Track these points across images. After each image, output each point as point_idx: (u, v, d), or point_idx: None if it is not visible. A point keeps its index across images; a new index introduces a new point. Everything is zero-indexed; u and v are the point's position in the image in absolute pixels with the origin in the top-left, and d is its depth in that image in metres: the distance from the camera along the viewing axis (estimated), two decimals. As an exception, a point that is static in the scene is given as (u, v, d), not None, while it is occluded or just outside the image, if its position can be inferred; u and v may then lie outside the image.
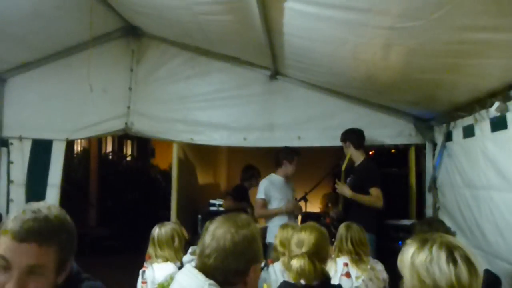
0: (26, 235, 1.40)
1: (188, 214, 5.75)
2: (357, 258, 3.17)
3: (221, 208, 5.92)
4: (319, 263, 2.42)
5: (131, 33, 5.16)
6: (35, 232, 1.42)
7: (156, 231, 3.32)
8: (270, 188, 4.88)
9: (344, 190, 4.36)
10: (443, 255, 1.51)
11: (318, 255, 2.44)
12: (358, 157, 4.53)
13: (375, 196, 4.29)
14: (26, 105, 4.92)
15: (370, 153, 5.45)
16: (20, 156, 4.74)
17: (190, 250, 2.01)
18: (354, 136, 4.58)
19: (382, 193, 4.33)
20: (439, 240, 1.57)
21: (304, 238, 2.47)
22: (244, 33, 3.82)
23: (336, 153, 4.84)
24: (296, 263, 2.38)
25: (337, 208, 4.46)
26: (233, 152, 7.56)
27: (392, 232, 4.61)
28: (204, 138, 5.25)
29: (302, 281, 2.37)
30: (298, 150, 4.93)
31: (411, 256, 1.57)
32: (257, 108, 5.17)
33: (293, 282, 2.40)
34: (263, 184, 4.94)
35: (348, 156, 4.48)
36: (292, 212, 4.90)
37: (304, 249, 2.43)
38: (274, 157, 5.04)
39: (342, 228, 3.30)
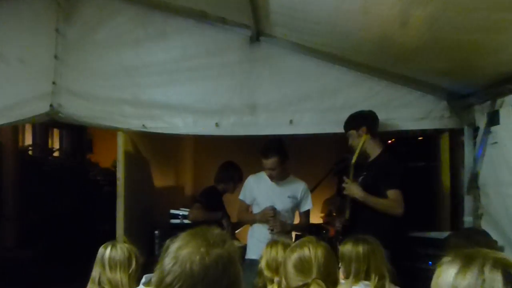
0: None
1: (141, 229, 5.77)
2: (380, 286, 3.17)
3: (186, 221, 5.94)
4: None
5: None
6: None
7: (108, 251, 3.33)
8: (254, 188, 5.00)
9: (354, 189, 4.40)
10: (498, 278, 1.48)
11: (328, 280, 2.43)
12: (373, 148, 4.57)
13: (393, 200, 4.34)
14: None
15: (389, 142, 5.48)
16: None
17: (143, 280, 2.02)
18: (368, 120, 4.59)
19: (403, 196, 4.36)
20: (492, 258, 1.54)
21: (310, 257, 2.45)
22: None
23: (340, 143, 4.88)
24: None
25: (343, 217, 4.52)
26: (202, 144, 7.55)
27: (418, 247, 4.59)
28: (161, 125, 5.23)
29: None
30: (266, 147, 4.93)
31: (453, 279, 1.53)
32: (233, 82, 5.16)
33: None
34: (247, 181, 5.10)
35: (361, 146, 4.48)
36: (282, 225, 4.88)
37: (314, 274, 2.41)
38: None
39: (350, 243, 3.25)
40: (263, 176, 5.09)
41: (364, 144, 4.51)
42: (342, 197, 4.71)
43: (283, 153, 5.02)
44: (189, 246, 1.73)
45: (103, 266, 3.31)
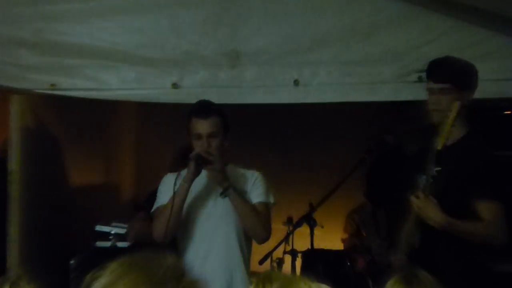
0: None
1: (48, 256, 5.50)
2: None
3: (121, 244, 5.89)
4: None
5: None
6: None
7: None
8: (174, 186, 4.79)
9: (431, 212, 4.19)
10: None
11: None
12: (459, 126, 4.39)
13: (492, 223, 4.15)
14: None
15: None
16: None
17: None
18: (474, 80, 4.44)
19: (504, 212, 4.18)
20: None
21: None
22: None
23: (375, 118, 4.73)
24: None
25: (376, 237, 4.32)
26: (150, 116, 7.59)
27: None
28: (82, 85, 5.05)
29: None
30: (203, 104, 4.82)
31: None
32: (202, 15, 4.98)
33: None
34: (165, 180, 5.02)
35: (453, 120, 4.23)
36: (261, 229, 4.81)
37: None
38: None
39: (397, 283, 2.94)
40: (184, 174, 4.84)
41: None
42: (375, 207, 4.59)
43: (226, 118, 4.87)
44: (121, 285, 1.77)
45: None
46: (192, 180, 4.71)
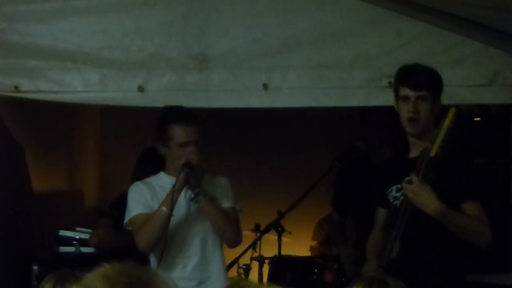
0: None
1: (9, 262, 5.62)
2: None
3: (86, 250, 5.86)
4: None
5: None
6: None
7: None
8: (150, 196, 4.90)
9: (426, 197, 4.15)
10: None
11: None
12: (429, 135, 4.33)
13: (479, 219, 4.20)
14: None
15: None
16: None
17: None
18: (438, 81, 4.46)
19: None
20: None
21: None
22: None
23: (346, 124, 4.68)
24: None
25: (344, 246, 4.25)
26: (114, 120, 7.62)
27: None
28: (45, 87, 5.01)
29: None
30: (185, 111, 4.82)
31: None
32: (169, 15, 4.98)
33: None
34: (135, 188, 5.00)
35: (448, 127, 4.19)
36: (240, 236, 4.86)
37: None
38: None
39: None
40: (155, 181, 4.98)
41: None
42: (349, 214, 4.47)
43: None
44: None
45: None
46: (182, 189, 4.76)
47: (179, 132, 4.72)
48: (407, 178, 4.23)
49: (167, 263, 4.78)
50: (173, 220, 4.77)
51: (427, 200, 4.13)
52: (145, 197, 4.85)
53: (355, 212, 5.60)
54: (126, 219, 4.85)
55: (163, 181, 4.88)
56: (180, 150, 4.75)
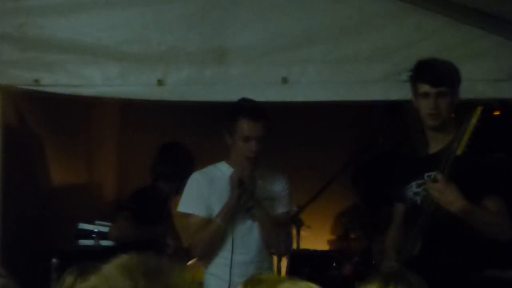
0: None
1: (27, 255, 5.62)
2: None
3: (105, 243, 5.90)
4: None
5: None
6: None
7: None
8: (206, 193, 4.88)
9: (450, 195, 4.13)
10: None
11: None
12: (448, 130, 4.40)
13: (501, 215, 4.18)
14: None
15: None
16: None
17: None
18: (457, 77, 4.44)
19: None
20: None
21: None
22: None
23: (363, 118, 4.66)
24: None
25: (377, 239, 4.26)
26: (133, 114, 7.44)
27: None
28: (65, 81, 5.06)
29: None
30: (255, 106, 4.81)
31: None
32: (188, 10, 5.01)
33: None
34: (193, 180, 4.95)
35: (474, 124, 4.15)
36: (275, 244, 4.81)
37: None
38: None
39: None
40: (215, 173, 4.96)
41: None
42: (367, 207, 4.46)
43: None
44: (110, 285, 1.95)
45: None
46: (235, 205, 4.82)
47: (244, 126, 4.73)
48: (428, 174, 4.24)
49: (216, 263, 4.94)
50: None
51: (453, 199, 4.12)
52: (202, 196, 4.88)
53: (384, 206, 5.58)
54: (180, 209, 4.98)
55: (223, 172, 4.90)
56: (242, 144, 4.77)
